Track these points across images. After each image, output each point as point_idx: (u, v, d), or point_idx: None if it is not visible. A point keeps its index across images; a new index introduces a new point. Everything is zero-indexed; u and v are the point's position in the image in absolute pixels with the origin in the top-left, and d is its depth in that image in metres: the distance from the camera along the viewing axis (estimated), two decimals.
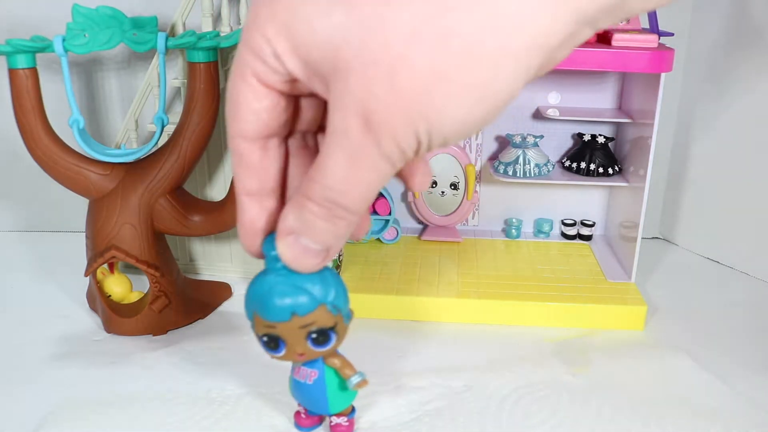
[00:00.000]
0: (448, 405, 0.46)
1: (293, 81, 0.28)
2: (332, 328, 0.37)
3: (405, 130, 0.25)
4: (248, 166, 0.31)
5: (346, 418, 0.43)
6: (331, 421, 0.43)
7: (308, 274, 0.34)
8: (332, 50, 0.25)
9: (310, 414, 0.44)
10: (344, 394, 0.41)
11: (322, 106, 0.32)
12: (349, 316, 0.38)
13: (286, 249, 0.32)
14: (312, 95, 0.31)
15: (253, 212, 0.33)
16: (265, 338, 0.37)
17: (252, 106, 0.29)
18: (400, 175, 0.33)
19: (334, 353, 0.40)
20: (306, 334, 0.36)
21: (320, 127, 0.34)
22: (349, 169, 0.27)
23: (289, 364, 0.42)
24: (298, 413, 0.44)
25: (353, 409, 0.44)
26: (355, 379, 0.40)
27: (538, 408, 0.46)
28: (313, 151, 0.34)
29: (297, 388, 0.42)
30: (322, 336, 0.36)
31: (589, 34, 0.25)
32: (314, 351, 0.37)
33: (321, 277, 0.35)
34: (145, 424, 0.45)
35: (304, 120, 0.32)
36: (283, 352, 0.37)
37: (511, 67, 0.24)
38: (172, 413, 0.46)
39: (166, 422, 0.45)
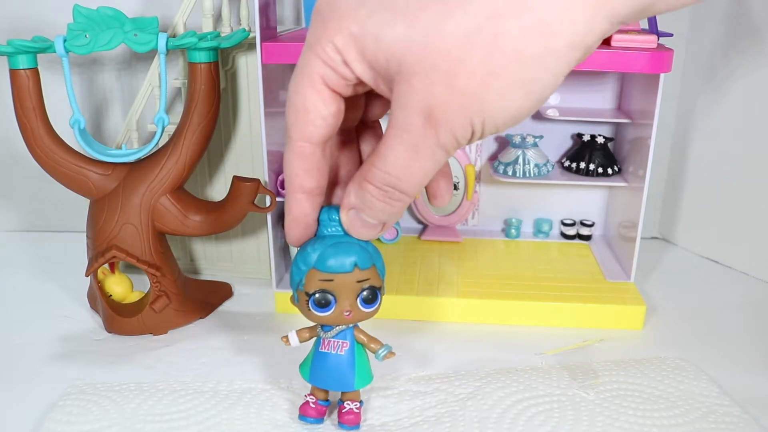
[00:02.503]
0: (449, 412, 0.46)
1: (355, 85, 0.31)
2: (380, 290, 0.40)
3: (462, 123, 0.28)
4: (311, 168, 0.35)
5: (356, 404, 0.44)
6: (343, 407, 0.44)
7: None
8: (397, 56, 0.28)
9: (320, 403, 0.44)
10: (367, 372, 0.43)
11: (367, 106, 0.37)
12: (384, 288, 0.41)
13: (348, 220, 0.37)
14: (357, 97, 0.35)
15: (307, 208, 0.37)
16: (317, 295, 0.39)
17: (321, 112, 0.32)
18: (426, 188, 0.37)
19: (360, 329, 0.42)
20: (359, 290, 0.39)
21: (362, 123, 0.38)
22: (409, 159, 0.31)
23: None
24: (306, 404, 0.45)
25: (361, 399, 0.44)
26: (382, 352, 0.42)
27: (542, 421, 0.45)
28: (354, 144, 0.39)
29: (322, 362, 0.42)
30: (372, 295, 0.40)
31: (617, 28, 0.28)
32: (360, 310, 0.40)
33: (371, 244, 0.39)
34: (145, 418, 0.45)
35: (348, 119, 0.36)
36: (331, 310, 0.39)
37: (554, 64, 0.27)
38: (174, 408, 0.46)
39: (168, 416, 0.45)
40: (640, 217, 0.60)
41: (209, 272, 0.69)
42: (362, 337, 0.42)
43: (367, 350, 0.43)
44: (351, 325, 0.42)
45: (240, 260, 0.68)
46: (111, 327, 0.57)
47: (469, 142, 0.30)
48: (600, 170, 0.66)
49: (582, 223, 0.72)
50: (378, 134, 0.40)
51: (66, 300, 0.63)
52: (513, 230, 0.72)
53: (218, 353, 0.54)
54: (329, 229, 0.38)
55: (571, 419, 0.46)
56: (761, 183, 0.67)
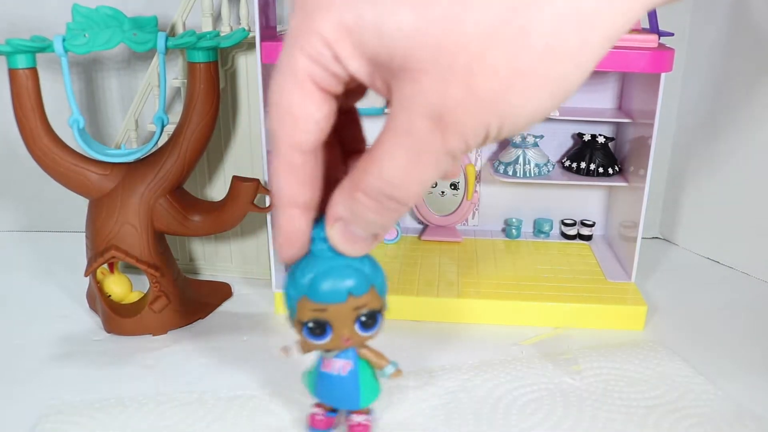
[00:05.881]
0: (442, 404, 0.46)
1: (347, 82, 0.28)
2: (380, 311, 0.37)
3: (476, 126, 0.25)
4: (304, 178, 0.31)
5: (365, 417, 0.43)
6: (350, 420, 0.43)
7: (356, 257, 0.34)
8: (402, 50, 0.24)
9: (328, 415, 0.43)
10: (373, 388, 0.41)
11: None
12: (387, 304, 0.38)
13: (334, 235, 0.32)
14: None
15: (302, 225, 0.33)
16: (310, 324, 0.36)
17: (313, 116, 0.28)
18: None
19: (365, 345, 0.40)
20: (356, 317, 0.36)
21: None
22: (409, 165, 0.27)
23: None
24: (313, 415, 0.43)
25: (370, 409, 0.43)
26: (389, 369, 0.40)
27: (534, 409, 0.46)
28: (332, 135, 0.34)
29: (325, 382, 0.41)
30: (371, 319, 0.36)
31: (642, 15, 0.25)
32: (360, 336, 0.37)
33: (369, 260, 0.36)
34: (140, 423, 0.45)
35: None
36: (328, 339, 0.37)
37: (589, 59, 0.24)
38: (171, 413, 0.46)
39: (162, 423, 0.45)
40: (640, 217, 0.60)
41: (209, 272, 0.69)
42: (368, 353, 0.40)
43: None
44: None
45: (239, 260, 0.68)
46: (110, 327, 0.57)
47: (480, 146, 0.26)
48: (600, 170, 0.65)
49: (582, 223, 0.72)
50: (356, 119, 0.35)
51: (65, 300, 0.63)
52: (513, 230, 0.72)
53: (218, 353, 0.54)
54: (319, 247, 0.34)
55: (561, 406, 0.47)
56: (762, 183, 0.67)
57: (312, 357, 0.42)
